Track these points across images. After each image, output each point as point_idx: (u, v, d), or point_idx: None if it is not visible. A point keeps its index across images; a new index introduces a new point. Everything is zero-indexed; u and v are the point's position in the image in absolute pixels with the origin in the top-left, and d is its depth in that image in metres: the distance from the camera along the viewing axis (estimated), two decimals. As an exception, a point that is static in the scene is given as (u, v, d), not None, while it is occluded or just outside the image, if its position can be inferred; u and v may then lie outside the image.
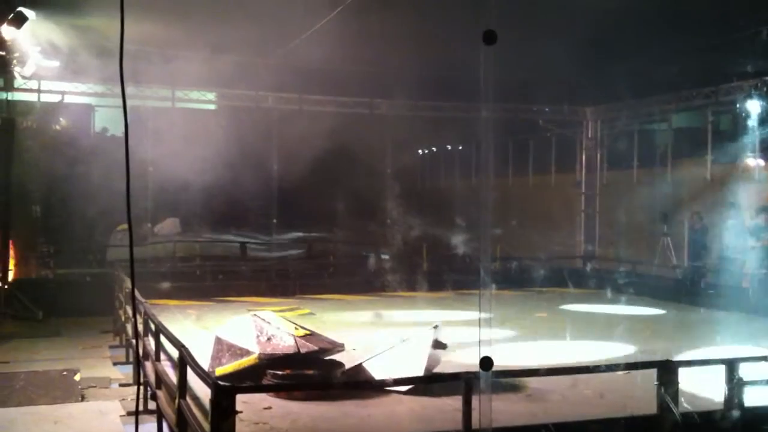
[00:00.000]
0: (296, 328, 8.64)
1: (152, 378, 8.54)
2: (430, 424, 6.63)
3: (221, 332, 9.01)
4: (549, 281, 18.37)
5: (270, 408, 7.14)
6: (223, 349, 8.79)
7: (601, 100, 22.76)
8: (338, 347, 8.64)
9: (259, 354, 8.14)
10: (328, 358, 8.33)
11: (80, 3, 13.05)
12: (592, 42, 15.61)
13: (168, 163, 18.54)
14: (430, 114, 23.03)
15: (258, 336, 8.48)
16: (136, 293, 11.04)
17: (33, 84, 19.25)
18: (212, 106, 24.32)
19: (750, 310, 14.30)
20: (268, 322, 8.78)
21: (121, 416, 9.58)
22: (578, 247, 22.76)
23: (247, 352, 8.33)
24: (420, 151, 31.88)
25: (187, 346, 7.03)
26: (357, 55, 17.17)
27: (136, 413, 5.29)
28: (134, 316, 7.20)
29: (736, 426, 7.03)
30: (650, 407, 6.95)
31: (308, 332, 8.61)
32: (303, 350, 8.11)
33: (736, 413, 7.03)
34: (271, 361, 8.01)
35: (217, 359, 8.80)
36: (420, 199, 26.46)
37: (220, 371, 8.04)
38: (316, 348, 8.21)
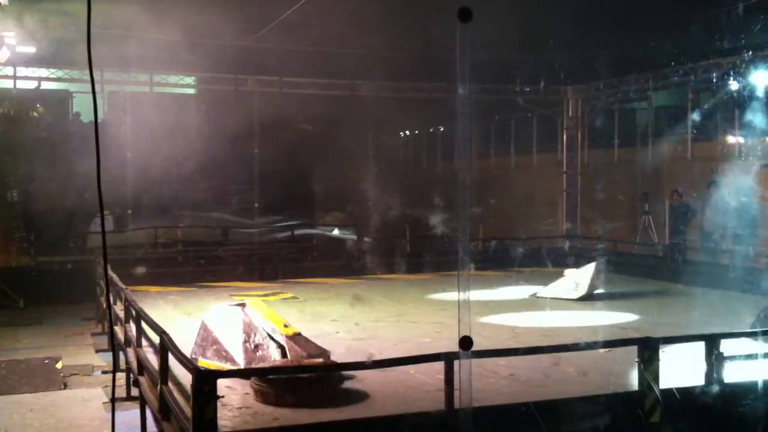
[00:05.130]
0: (285, 326, 8.49)
1: (134, 364, 8.52)
2: (413, 405, 6.64)
3: (209, 319, 8.91)
4: (530, 261, 18.40)
5: (249, 393, 7.11)
6: (208, 339, 8.70)
7: (581, 79, 22.79)
8: (324, 354, 8.57)
9: (245, 369, 8.02)
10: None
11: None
12: (572, 20, 15.60)
13: (147, 148, 18.42)
14: (412, 95, 22.96)
15: (245, 342, 8.37)
16: (117, 279, 11.02)
17: (8, 70, 19.03)
18: (191, 90, 24.15)
19: (729, 286, 14.40)
20: (256, 325, 8.63)
21: (103, 403, 9.57)
22: (560, 227, 22.85)
23: (232, 360, 8.23)
24: (402, 133, 31.83)
25: (168, 331, 7.02)
26: (337, 36, 17.06)
27: (112, 399, 5.25)
28: (108, 301, 7.16)
29: (716, 401, 7.11)
30: (633, 384, 7.02)
31: (296, 331, 8.47)
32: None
33: (716, 389, 7.11)
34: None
35: (201, 347, 8.73)
36: (402, 181, 26.43)
37: (203, 364, 7.95)
38: (304, 353, 8.10)
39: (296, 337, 8.31)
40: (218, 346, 8.50)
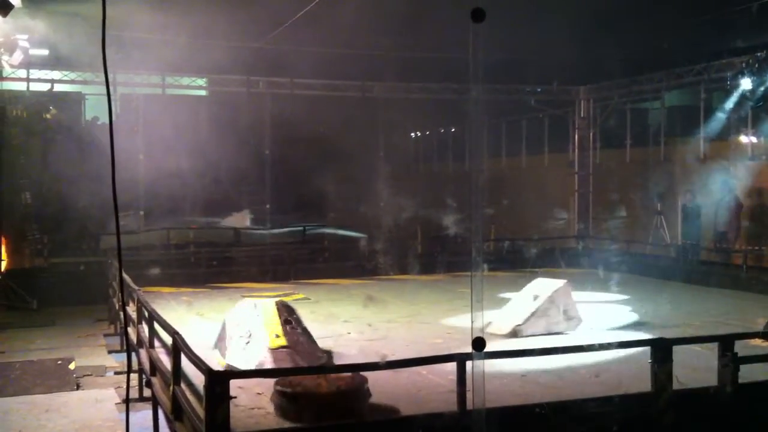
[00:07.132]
0: (276, 336, 8.45)
1: (147, 365, 8.54)
2: (425, 406, 6.63)
3: (229, 316, 9.16)
4: (542, 262, 18.32)
5: (262, 393, 7.12)
6: (224, 336, 8.94)
7: (593, 78, 22.70)
8: (320, 358, 8.55)
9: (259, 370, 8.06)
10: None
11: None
12: (583, 20, 15.54)
13: (160, 150, 18.47)
14: (423, 96, 22.92)
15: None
16: (130, 281, 11.06)
17: (22, 73, 19.11)
18: (203, 92, 24.21)
19: (742, 287, 14.34)
20: (254, 321, 8.74)
21: (116, 404, 9.63)
22: (572, 227, 22.77)
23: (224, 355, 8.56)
24: (413, 134, 31.81)
25: (180, 332, 7.03)
26: (348, 37, 17.07)
27: (126, 400, 5.26)
28: (122, 303, 7.17)
29: (729, 402, 7.06)
30: (645, 385, 6.98)
31: (285, 345, 8.34)
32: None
33: (729, 389, 7.06)
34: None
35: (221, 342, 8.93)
36: (413, 181, 26.42)
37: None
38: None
39: (277, 351, 8.19)
40: (222, 343, 8.64)
